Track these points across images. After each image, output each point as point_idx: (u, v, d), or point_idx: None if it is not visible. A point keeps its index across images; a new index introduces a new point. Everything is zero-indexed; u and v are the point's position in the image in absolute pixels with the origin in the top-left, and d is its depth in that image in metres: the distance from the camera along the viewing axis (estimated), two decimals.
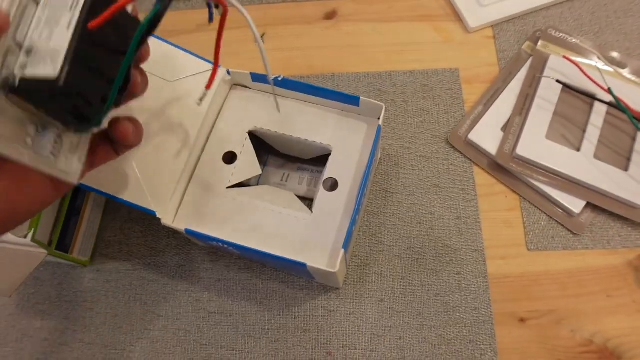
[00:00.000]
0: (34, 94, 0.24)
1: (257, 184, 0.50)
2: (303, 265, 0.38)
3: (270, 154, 0.51)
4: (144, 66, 0.33)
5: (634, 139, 0.50)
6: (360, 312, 0.47)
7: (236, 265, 0.49)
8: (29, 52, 0.24)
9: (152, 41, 0.30)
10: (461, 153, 0.52)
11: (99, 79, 0.27)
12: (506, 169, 0.50)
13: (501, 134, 0.52)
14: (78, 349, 0.48)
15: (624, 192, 0.48)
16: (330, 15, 0.61)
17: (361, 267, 0.49)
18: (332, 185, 0.43)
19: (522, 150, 0.49)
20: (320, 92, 0.45)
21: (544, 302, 0.47)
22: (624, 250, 0.48)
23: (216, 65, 0.35)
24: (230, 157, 0.44)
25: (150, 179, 0.42)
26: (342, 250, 0.39)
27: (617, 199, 0.48)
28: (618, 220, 0.49)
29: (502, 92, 0.54)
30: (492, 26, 0.58)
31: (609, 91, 0.48)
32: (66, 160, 0.28)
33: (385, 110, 0.54)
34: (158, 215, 0.41)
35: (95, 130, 0.32)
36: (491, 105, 0.53)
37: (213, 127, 0.46)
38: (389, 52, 0.58)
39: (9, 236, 0.41)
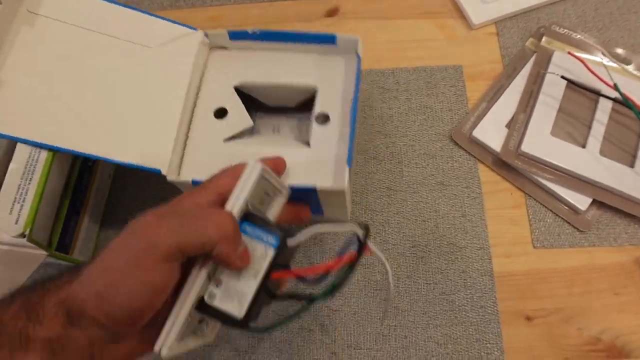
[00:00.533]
0: (218, 317, 0.31)
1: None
2: (313, 190, 0.39)
3: (259, 110, 0.50)
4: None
5: (639, 136, 0.50)
6: (365, 311, 0.47)
7: None
8: (218, 284, 0.31)
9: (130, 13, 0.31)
10: (465, 150, 0.52)
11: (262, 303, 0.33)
12: (511, 166, 0.50)
13: (506, 130, 0.51)
14: None
15: (630, 189, 0.47)
16: (332, 13, 0.60)
17: (365, 266, 0.48)
18: (324, 118, 0.44)
19: (527, 147, 0.49)
20: (297, 37, 0.45)
21: (551, 300, 0.47)
22: (631, 248, 0.48)
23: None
24: (221, 113, 0.44)
25: (148, 142, 0.42)
26: (347, 167, 0.39)
27: (624, 196, 0.48)
28: (625, 217, 0.49)
29: (506, 88, 0.53)
30: (495, 23, 0.58)
31: (615, 87, 0.48)
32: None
33: (389, 108, 0.54)
34: (163, 173, 0.41)
35: None
36: (495, 102, 0.53)
37: (199, 88, 0.46)
38: (391, 50, 0.57)
39: (5, 237, 0.41)
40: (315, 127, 0.43)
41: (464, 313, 0.46)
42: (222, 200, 0.32)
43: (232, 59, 0.47)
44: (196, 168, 0.42)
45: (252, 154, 0.38)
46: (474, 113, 0.53)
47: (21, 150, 0.41)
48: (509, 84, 0.53)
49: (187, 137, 0.44)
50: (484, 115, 0.52)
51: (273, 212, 0.37)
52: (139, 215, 0.29)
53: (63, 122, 0.42)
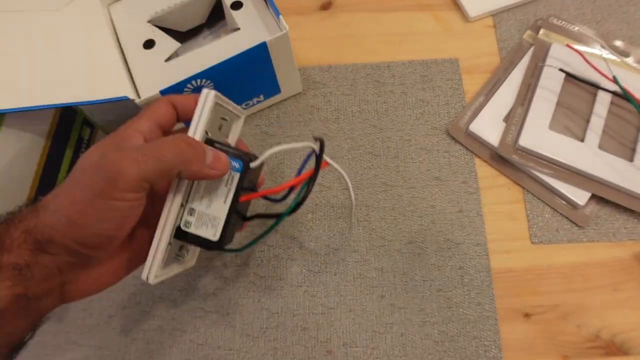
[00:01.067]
0: (196, 243, 0.34)
1: None
2: (263, 47, 0.44)
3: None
4: None
5: (638, 129, 0.49)
6: (361, 309, 0.46)
7: (233, 263, 0.48)
8: (191, 212, 0.34)
9: None
10: (462, 145, 0.51)
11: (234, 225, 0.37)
12: (509, 160, 0.49)
13: (503, 125, 0.50)
14: (72, 350, 0.47)
15: (629, 183, 0.47)
16: (326, 6, 0.59)
17: (361, 263, 0.47)
18: (237, 5, 0.48)
19: (524, 141, 0.48)
20: None
21: (549, 296, 0.46)
22: (630, 243, 0.47)
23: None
24: (149, 44, 0.47)
25: (102, 80, 0.43)
26: (278, 16, 0.44)
27: (623, 190, 0.47)
28: (624, 212, 0.48)
29: (503, 82, 0.52)
30: (492, 15, 0.57)
31: (614, 80, 0.47)
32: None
33: (384, 102, 0.53)
34: (131, 97, 0.42)
35: None
36: (492, 95, 0.52)
37: (116, 31, 0.48)
38: (387, 43, 0.56)
39: None
40: (235, 13, 0.47)
41: (461, 310, 0.46)
42: (162, 128, 0.34)
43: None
44: (153, 84, 0.44)
45: (196, 58, 0.44)
46: (471, 107, 0.52)
47: None
48: (507, 77, 0.52)
49: (129, 69, 0.45)
50: (481, 109, 0.51)
51: (233, 137, 0.41)
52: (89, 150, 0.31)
53: (15, 84, 0.41)
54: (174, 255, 0.37)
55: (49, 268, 0.29)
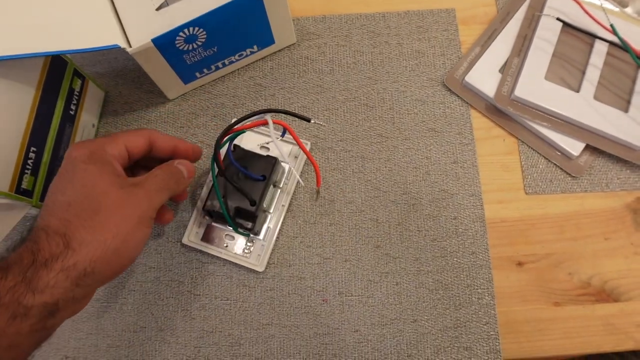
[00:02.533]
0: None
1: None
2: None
3: None
4: None
5: (634, 81, 0.49)
6: (356, 258, 0.46)
7: None
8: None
9: None
10: (458, 96, 0.50)
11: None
12: (504, 111, 0.49)
13: (499, 76, 0.50)
14: None
15: (623, 134, 0.47)
16: None
17: (356, 214, 0.47)
18: None
19: (520, 91, 0.48)
20: None
21: (542, 245, 0.47)
22: (623, 193, 0.48)
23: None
24: None
25: (92, 28, 0.42)
26: None
27: (617, 141, 0.47)
28: (617, 163, 0.48)
29: (499, 33, 0.52)
30: None
31: (612, 29, 0.47)
32: None
33: (380, 54, 0.52)
34: (122, 46, 0.41)
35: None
36: (489, 46, 0.51)
37: None
38: None
39: None
40: None
41: (455, 259, 0.46)
42: (130, 155, 0.38)
43: None
44: (145, 33, 0.42)
45: (189, 10, 0.43)
46: (467, 58, 0.51)
47: None
48: (503, 27, 0.52)
49: (119, 18, 0.43)
50: (477, 60, 0.51)
51: None
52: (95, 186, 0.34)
53: (3, 32, 0.40)
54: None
55: (77, 297, 0.32)
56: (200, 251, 0.47)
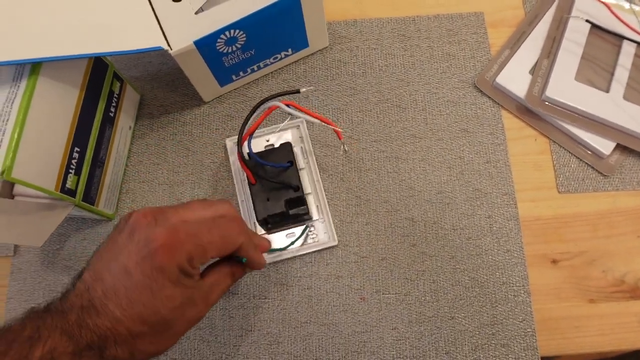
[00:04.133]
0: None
1: None
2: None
3: None
4: None
5: None
6: (393, 257, 0.47)
7: None
8: None
9: None
10: (489, 97, 0.51)
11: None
12: (535, 112, 0.50)
13: (529, 77, 0.51)
14: None
15: None
16: None
17: (392, 213, 0.48)
18: None
19: (551, 92, 0.49)
20: None
21: (575, 243, 0.47)
22: None
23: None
24: None
25: (134, 30, 0.44)
26: None
27: None
28: None
29: (528, 35, 0.53)
30: None
31: None
32: None
33: (411, 56, 0.53)
34: (165, 48, 0.43)
35: None
36: (518, 48, 0.52)
37: None
38: None
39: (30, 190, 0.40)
40: None
41: (490, 257, 0.47)
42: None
43: None
44: (186, 36, 0.44)
45: (228, 13, 0.44)
46: (497, 60, 0.52)
47: (1, 90, 0.39)
48: (532, 30, 0.53)
49: (158, 20, 0.44)
50: (507, 62, 0.52)
51: None
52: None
53: (41, 34, 0.41)
54: None
55: None
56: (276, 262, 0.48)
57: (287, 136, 0.50)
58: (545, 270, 0.47)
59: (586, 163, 0.49)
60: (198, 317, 0.36)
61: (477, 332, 0.45)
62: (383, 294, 0.46)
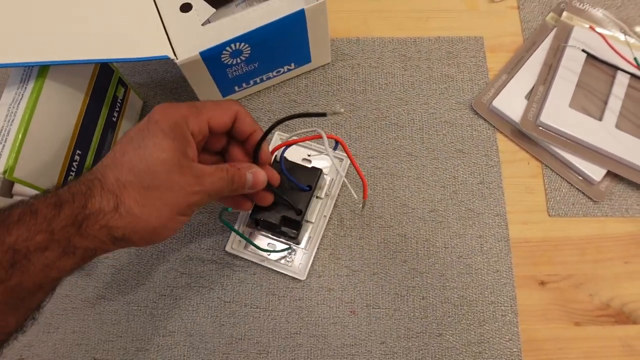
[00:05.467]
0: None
1: None
2: (300, 15, 0.45)
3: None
4: None
5: None
6: (384, 272, 0.48)
7: None
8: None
9: None
10: (485, 120, 0.52)
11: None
12: (529, 136, 0.51)
13: (525, 102, 0.52)
14: (100, 305, 0.48)
15: None
16: None
17: (385, 229, 0.49)
18: None
19: (545, 117, 0.50)
20: None
21: (564, 266, 0.48)
22: None
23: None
24: (186, 7, 0.47)
25: (140, 38, 0.45)
26: None
27: (637, 168, 0.49)
28: (637, 189, 0.50)
29: (526, 61, 0.54)
30: None
31: (636, 62, 0.49)
32: None
33: (410, 76, 0.55)
34: (171, 57, 0.43)
35: None
36: (515, 73, 0.54)
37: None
38: (414, 19, 0.58)
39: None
40: None
41: (480, 276, 0.47)
42: (210, 129, 0.38)
43: None
44: (192, 47, 0.45)
45: (233, 22, 0.45)
46: (494, 84, 0.54)
47: (8, 91, 0.40)
48: (529, 56, 0.54)
49: (166, 31, 0.46)
50: (504, 86, 0.53)
51: None
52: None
53: (50, 38, 0.42)
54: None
55: (109, 249, 0.34)
56: (241, 258, 0.48)
57: (326, 162, 0.51)
58: (533, 291, 0.47)
59: (577, 188, 0.50)
60: (188, 190, 0.35)
61: (464, 350, 0.45)
62: (373, 308, 0.47)
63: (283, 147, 0.44)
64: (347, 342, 0.46)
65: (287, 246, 0.48)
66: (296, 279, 0.47)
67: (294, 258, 0.48)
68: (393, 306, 0.47)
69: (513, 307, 0.47)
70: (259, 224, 0.47)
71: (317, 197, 0.49)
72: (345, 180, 0.43)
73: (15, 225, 0.30)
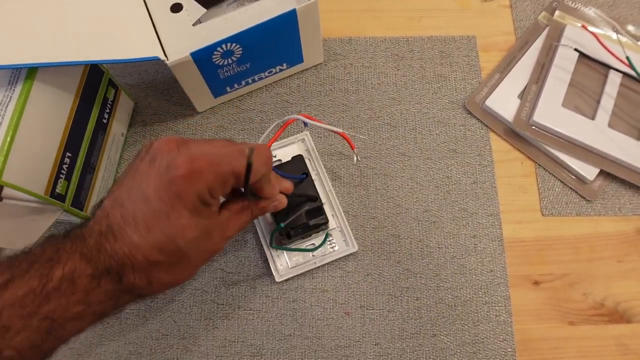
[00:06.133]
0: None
1: None
2: (292, 15, 0.45)
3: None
4: None
5: None
6: (378, 273, 0.48)
7: (252, 226, 0.49)
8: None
9: None
10: (478, 119, 0.52)
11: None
12: (522, 135, 0.51)
13: (518, 101, 0.52)
14: None
15: (636, 161, 0.49)
16: None
17: (379, 229, 0.49)
18: None
19: (538, 117, 0.50)
20: None
21: (558, 265, 0.48)
22: (635, 217, 0.49)
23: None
24: (176, 7, 0.47)
25: (130, 39, 0.44)
26: None
27: (630, 167, 0.49)
28: (629, 188, 0.50)
29: (518, 60, 0.54)
30: None
31: (628, 61, 0.49)
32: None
33: (403, 76, 0.54)
34: (161, 58, 0.43)
35: None
36: (508, 73, 0.53)
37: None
38: (407, 18, 0.57)
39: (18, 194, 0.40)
40: None
41: (474, 276, 0.47)
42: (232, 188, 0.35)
43: None
44: (182, 48, 0.44)
45: (224, 23, 0.45)
46: (487, 83, 0.53)
47: None
48: (522, 56, 0.54)
49: (156, 31, 0.45)
50: (497, 86, 0.53)
51: None
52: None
53: (38, 40, 0.41)
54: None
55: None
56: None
57: (293, 150, 0.50)
58: (527, 291, 0.47)
59: (570, 187, 0.50)
60: (214, 249, 0.36)
61: (459, 351, 0.45)
62: (367, 309, 0.47)
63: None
64: (342, 343, 0.46)
65: (323, 234, 0.48)
66: (350, 254, 0.47)
67: (335, 240, 0.48)
68: (387, 307, 0.47)
69: (507, 307, 0.46)
70: (289, 234, 0.46)
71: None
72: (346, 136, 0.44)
73: (55, 293, 0.29)
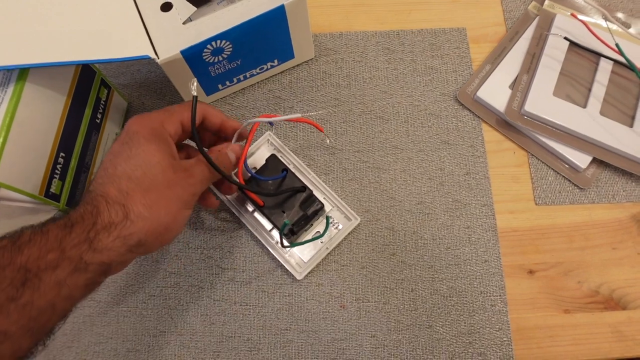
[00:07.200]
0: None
1: None
2: (280, 10, 0.45)
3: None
4: None
5: (637, 97, 0.51)
6: (372, 265, 0.48)
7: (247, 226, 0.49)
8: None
9: None
10: (470, 110, 0.52)
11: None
12: (514, 125, 0.51)
13: (509, 91, 0.52)
14: (89, 307, 0.48)
15: (628, 148, 0.49)
16: None
17: (373, 222, 0.49)
18: None
19: (530, 106, 0.50)
20: None
21: (552, 254, 0.48)
22: (629, 204, 0.49)
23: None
24: (166, 6, 0.47)
25: (121, 38, 0.44)
26: None
27: (622, 155, 0.49)
28: (623, 175, 0.50)
29: (509, 51, 0.54)
30: None
31: (617, 48, 0.49)
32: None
33: (394, 69, 0.55)
34: (152, 56, 0.43)
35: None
36: (499, 63, 0.54)
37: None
38: (397, 12, 0.58)
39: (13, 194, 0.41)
40: None
41: (468, 267, 0.48)
42: (183, 129, 0.40)
43: None
44: (171, 45, 0.44)
45: (215, 24, 0.45)
46: (478, 74, 0.54)
47: None
48: (512, 46, 0.54)
49: (147, 31, 0.45)
50: (488, 77, 0.53)
51: None
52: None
53: (29, 40, 0.42)
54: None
55: (126, 261, 0.35)
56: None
57: (264, 153, 0.51)
58: (522, 280, 0.47)
59: (563, 176, 0.50)
60: (184, 184, 0.37)
61: (455, 341, 0.45)
62: (362, 302, 0.47)
63: (244, 159, 0.43)
64: (338, 336, 0.46)
65: (324, 219, 0.48)
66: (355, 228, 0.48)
67: (337, 219, 0.49)
68: (382, 299, 0.47)
69: (502, 297, 0.47)
70: (293, 231, 0.46)
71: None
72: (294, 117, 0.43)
73: (27, 245, 0.30)
